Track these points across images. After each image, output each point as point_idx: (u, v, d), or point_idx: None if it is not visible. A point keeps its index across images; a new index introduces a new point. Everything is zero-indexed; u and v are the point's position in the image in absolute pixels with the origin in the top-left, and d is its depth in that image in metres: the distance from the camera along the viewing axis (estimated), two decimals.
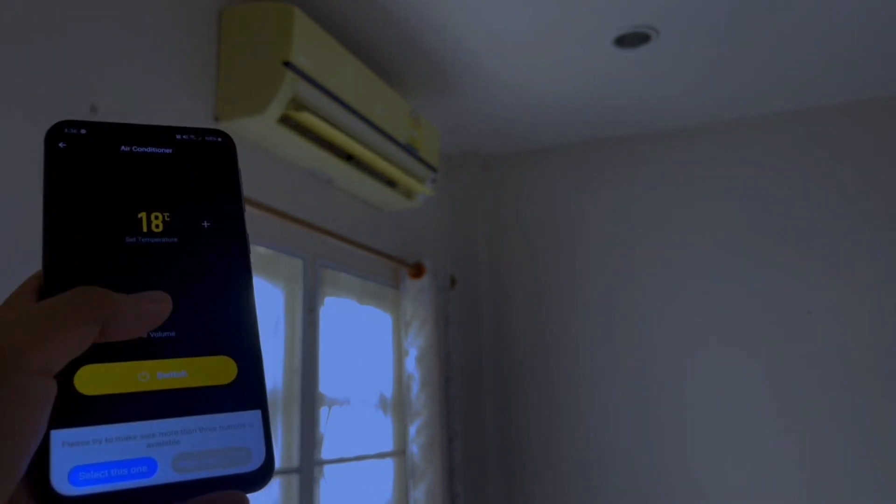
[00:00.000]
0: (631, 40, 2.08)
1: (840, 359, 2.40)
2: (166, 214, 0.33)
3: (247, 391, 0.31)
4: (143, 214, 0.33)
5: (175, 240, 0.33)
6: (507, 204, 2.95)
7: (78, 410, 0.28)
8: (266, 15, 1.69)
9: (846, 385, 2.38)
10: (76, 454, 0.27)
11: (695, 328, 2.56)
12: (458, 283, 2.79)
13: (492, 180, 2.99)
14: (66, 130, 0.33)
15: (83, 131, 0.34)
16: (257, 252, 1.95)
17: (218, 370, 0.31)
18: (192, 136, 0.36)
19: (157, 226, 0.33)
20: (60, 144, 0.33)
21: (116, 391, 0.29)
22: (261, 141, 1.78)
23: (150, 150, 0.35)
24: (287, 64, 1.63)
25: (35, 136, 1.26)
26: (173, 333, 0.31)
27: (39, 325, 0.27)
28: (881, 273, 2.41)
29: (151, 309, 0.29)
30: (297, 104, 1.68)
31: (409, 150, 2.14)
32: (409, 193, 2.28)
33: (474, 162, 2.98)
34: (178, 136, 0.36)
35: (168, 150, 0.35)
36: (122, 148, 0.34)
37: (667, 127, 2.73)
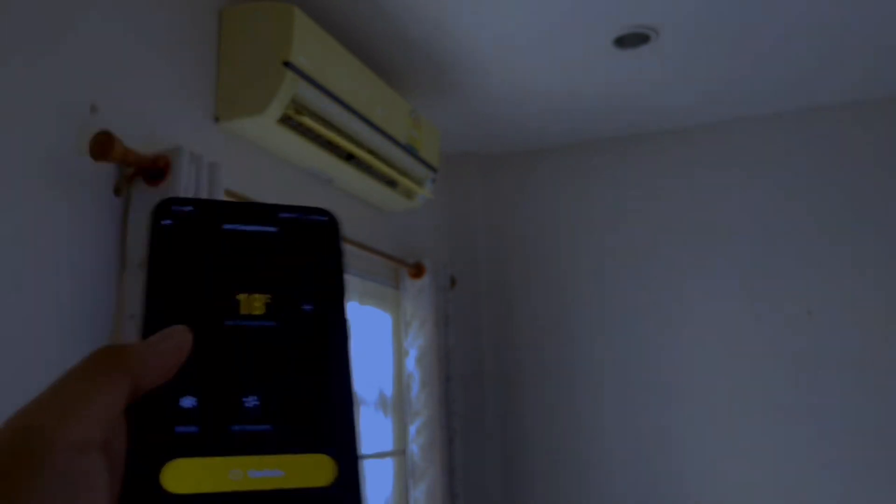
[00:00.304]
0: (631, 41, 2.08)
1: (841, 359, 2.40)
2: (267, 297, 0.32)
3: (347, 494, 0.28)
4: (243, 296, 0.32)
5: (274, 324, 0.31)
6: (508, 204, 2.95)
7: None
8: (266, 15, 1.69)
9: (847, 385, 2.38)
10: None
11: (695, 328, 2.56)
12: (458, 283, 2.79)
13: (492, 180, 2.99)
14: (172, 208, 0.33)
15: (188, 208, 0.33)
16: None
17: (316, 469, 0.28)
18: (297, 215, 0.35)
19: (257, 308, 0.31)
20: (165, 222, 0.32)
21: (206, 490, 0.27)
22: (261, 141, 1.78)
23: (253, 228, 0.34)
24: (287, 64, 1.63)
25: (35, 136, 1.25)
26: (268, 427, 0.29)
27: (67, 397, 0.25)
28: (882, 273, 2.41)
29: (171, 346, 0.28)
30: (297, 104, 1.68)
31: (410, 150, 2.14)
32: (409, 193, 2.28)
33: (474, 162, 2.98)
34: (282, 215, 0.35)
35: (272, 229, 0.34)
36: (226, 226, 0.33)
37: (667, 127, 2.73)
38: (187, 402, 0.28)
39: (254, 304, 0.31)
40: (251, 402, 0.29)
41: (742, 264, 2.56)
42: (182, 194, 1.36)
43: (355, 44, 2.03)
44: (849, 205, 2.48)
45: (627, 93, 2.46)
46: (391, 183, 2.19)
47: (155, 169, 1.37)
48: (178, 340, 0.29)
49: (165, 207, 0.33)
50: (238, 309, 0.31)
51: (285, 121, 1.70)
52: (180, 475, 0.26)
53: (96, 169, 1.34)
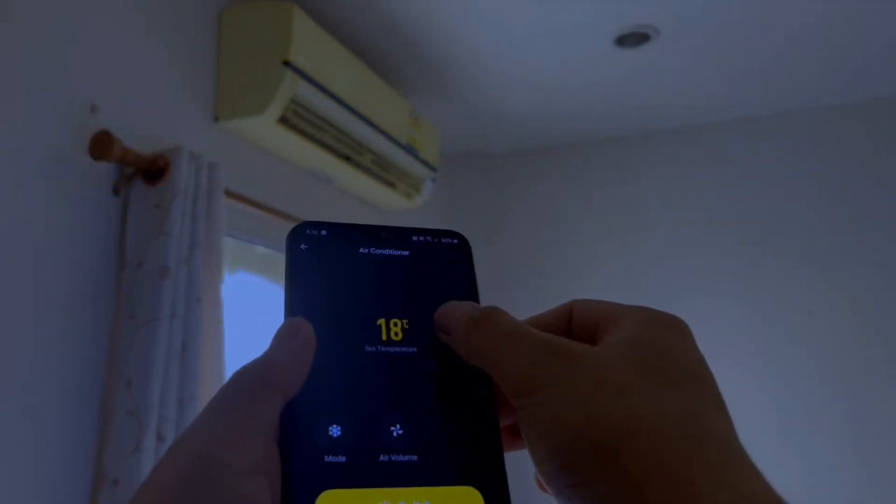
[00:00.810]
0: (631, 40, 2.08)
1: (841, 359, 2.40)
2: (405, 322, 0.32)
3: None
4: (381, 321, 0.32)
5: (414, 350, 0.31)
6: (508, 203, 2.95)
7: None
8: (266, 14, 1.69)
9: (847, 385, 2.38)
10: None
11: (696, 328, 2.54)
12: None
13: (492, 180, 2.99)
14: (307, 231, 0.33)
15: (324, 232, 0.33)
16: (257, 252, 1.95)
17: (464, 503, 0.28)
18: (429, 238, 0.35)
19: (395, 333, 0.31)
20: (302, 246, 0.33)
21: None
22: (260, 141, 1.78)
23: (387, 252, 0.34)
24: (287, 64, 1.63)
25: (35, 135, 1.25)
26: (414, 458, 0.28)
27: (231, 423, 0.25)
28: (882, 273, 2.41)
29: (301, 343, 0.29)
30: (297, 104, 1.68)
31: (409, 149, 2.14)
32: (409, 193, 2.28)
33: (474, 162, 2.98)
34: (415, 238, 0.35)
35: (405, 253, 0.34)
36: (361, 250, 0.34)
37: (667, 126, 2.73)
38: (335, 430, 0.28)
39: (393, 329, 0.31)
40: (397, 430, 0.29)
41: (742, 264, 2.56)
42: (181, 194, 1.36)
43: (355, 43, 2.02)
44: (849, 204, 2.48)
45: (628, 92, 2.45)
46: (391, 183, 2.19)
47: (154, 169, 1.37)
48: (303, 334, 0.29)
49: (300, 231, 0.33)
50: (378, 334, 0.31)
51: (285, 120, 1.69)
52: None
53: (95, 168, 1.34)
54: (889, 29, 2.05)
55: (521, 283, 2.86)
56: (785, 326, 2.47)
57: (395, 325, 0.32)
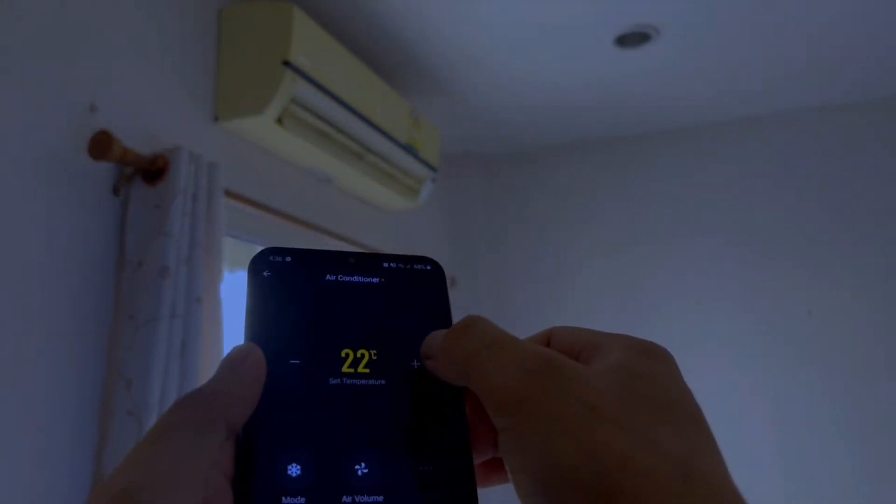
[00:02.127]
0: (631, 40, 2.08)
1: (841, 359, 2.40)
2: (373, 353, 0.30)
3: None
4: (348, 351, 0.30)
5: (382, 382, 0.29)
6: (507, 203, 2.95)
7: None
8: (265, 14, 1.69)
9: (846, 386, 2.38)
10: None
11: (695, 328, 2.55)
12: (457, 283, 2.78)
13: (492, 180, 2.99)
14: (270, 258, 0.32)
15: (288, 259, 0.32)
16: (256, 252, 1.94)
17: None
18: (400, 265, 0.33)
19: (363, 365, 0.30)
20: (265, 273, 0.31)
21: None
22: (260, 141, 1.78)
23: (356, 279, 0.32)
24: (286, 63, 1.63)
25: (34, 135, 1.25)
26: (380, 499, 0.26)
27: (166, 455, 0.24)
28: (882, 273, 2.40)
29: (249, 369, 0.27)
30: (297, 104, 1.68)
31: (409, 149, 2.14)
32: (408, 193, 2.28)
33: (474, 162, 2.98)
34: (386, 264, 0.33)
35: (375, 280, 0.32)
36: (328, 277, 0.32)
37: (667, 126, 2.73)
38: (294, 469, 0.26)
39: (360, 360, 0.30)
40: (361, 469, 0.27)
41: (742, 264, 2.56)
42: (181, 194, 1.36)
43: (355, 43, 2.02)
44: (849, 204, 2.48)
45: (628, 92, 2.45)
46: (390, 183, 2.19)
47: (154, 168, 1.37)
48: (252, 359, 0.27)
49: (263, 258, 0.32)
50: (343, 366, 0.29)
51: (284, 120, 1.69)
52: None
53: (95, 168, 1.34)
54: (889, 29, 2.05)
55: (520, 283, 2.86)
56: (784, 327, 2.47)
57: (363, 356, 0.30)
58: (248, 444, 0.26)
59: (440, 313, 0.33)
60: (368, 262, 0.33)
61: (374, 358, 0.30)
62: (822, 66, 2.29)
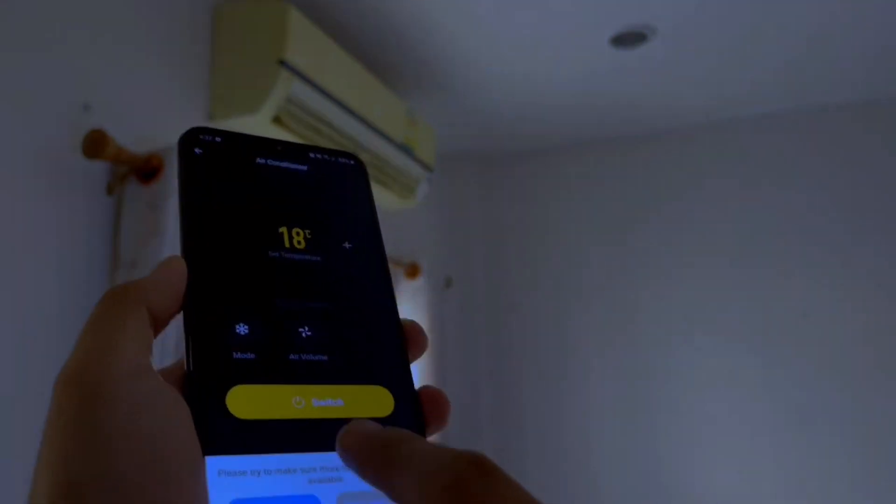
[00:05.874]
0: (628, 40, 2.08)
1: (837, 361, 2.40)
2: (307, 231, 0.32)
3: (407, 426, 0.27)
4: (283, 229, 0.31)
5: (318, 258, 0.31)
6: (503, 204, 2.95)
7: (233, 435, 0.25)
8: (261, 13, 1.68)
9: (844, 388, 2.38)
10: (235, 485, 0.24)
11: (693, 330, 2.55)
12: (453, 284, 2.78)
13: (488, 180, 2.98)
14: (201, 137, 0.32)
15: (218, 139, 0.32)
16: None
17: (375, 401, 0.28)
18: (326, 156, 0.35)
19: (298, 242, 0.31)
20: (196, 150, 0.31)
21: (272, 416, 0.26)
22: None
23: (285, 164, 0.33)
24: (282, 62, 1.62)
25: (28, 134, 1.24)
26: (324, 357, 0.28)
27: (101, 335, 0.26)
28: (880, 275, 2.41)
29: (173, 273, 0.28)
30: (292, 103, 1.67)
31: (405, 149, 2.13)
32: (404, 193, 2.27)
33: (470, 162, 2.97)
34: (312, 155, 0.34)
35: (303, 167, 0.34)
36: (259, 160, 0.33)
37: (664, 127, 2.73)
38: (242, 328, 0.28)
39: (295, 237, 0.31)
40: (305, 332, 0.29)
41: (738, 265, 2.56)
42: (175, 194, 1.35)
43: (351, 42, 2.02)
44: (846, 205, 2.48)
45: (624, 92, 2.45)
46: (386, 183, 2.18)
47: (148, 168, 1.36)
48: (176, 267, 0.28)
49: (193, 136, 0.32)
50: (281, 241, 0.31)
51: (279, 120, 1.69)
52: (245, 401, 0.26)
53: (89, 167, 1.33)
54: (889, 29, 2.05)
55: (517, 282, 2.86)
56: (781, 329, 2.47)
57: (298, 234, 0.31)
58: (196, 308, 0.27)
59: (364, 203, 0.35)
60: (296, 150, 0.34)
61: (309, 237, 0.31)
62: (821, 66, 2.29)
